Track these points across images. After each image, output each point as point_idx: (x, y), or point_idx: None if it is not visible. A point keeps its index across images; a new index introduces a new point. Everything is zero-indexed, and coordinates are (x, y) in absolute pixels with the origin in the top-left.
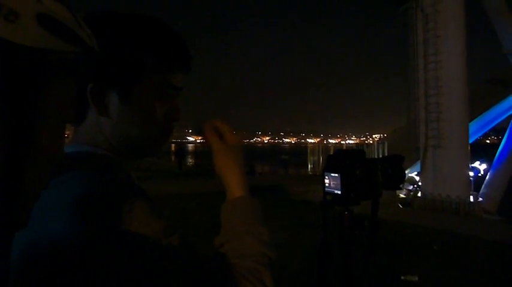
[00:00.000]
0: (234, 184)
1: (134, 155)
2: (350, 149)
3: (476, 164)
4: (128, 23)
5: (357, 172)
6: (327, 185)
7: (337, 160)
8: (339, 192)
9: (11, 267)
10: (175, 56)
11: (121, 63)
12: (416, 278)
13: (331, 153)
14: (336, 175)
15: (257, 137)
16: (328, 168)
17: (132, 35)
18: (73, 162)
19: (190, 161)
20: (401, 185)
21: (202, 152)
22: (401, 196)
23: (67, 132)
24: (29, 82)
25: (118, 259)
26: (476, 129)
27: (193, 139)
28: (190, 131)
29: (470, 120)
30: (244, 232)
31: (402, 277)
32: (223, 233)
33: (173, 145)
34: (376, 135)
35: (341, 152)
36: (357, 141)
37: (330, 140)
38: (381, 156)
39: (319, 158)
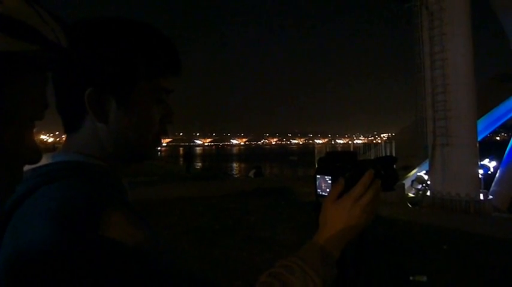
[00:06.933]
0: (323, 232)
1: (131, 160)
2: (341, 150)
3: (486, 161)
4: (121, 28)
5: (346, 175)
6: (318, 188)
7: (328, 162)
8: None
9: None
10: (166, 60)
11: (117, 68)
12: (425, 278)
13: (322, 156)
14: (327, 177)
15: (265, 139)
16: (320, 170)
17: (126, 40)
18: (60, 172)
19: (198, 164)
20: (411, 186)
21: (210, 155)
22: (411, 195)
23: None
24: None
25: (92, 269)
26: (485, 127)
27: (201, 142)
28: (198, 134)
29: (479, 118)
30: (296, 264)
31: (411, 278)
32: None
33: (181, 148)
34: (384, 135)
35: (332, 154)
36: (365, 141)
37: (338, 141)
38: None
39: None
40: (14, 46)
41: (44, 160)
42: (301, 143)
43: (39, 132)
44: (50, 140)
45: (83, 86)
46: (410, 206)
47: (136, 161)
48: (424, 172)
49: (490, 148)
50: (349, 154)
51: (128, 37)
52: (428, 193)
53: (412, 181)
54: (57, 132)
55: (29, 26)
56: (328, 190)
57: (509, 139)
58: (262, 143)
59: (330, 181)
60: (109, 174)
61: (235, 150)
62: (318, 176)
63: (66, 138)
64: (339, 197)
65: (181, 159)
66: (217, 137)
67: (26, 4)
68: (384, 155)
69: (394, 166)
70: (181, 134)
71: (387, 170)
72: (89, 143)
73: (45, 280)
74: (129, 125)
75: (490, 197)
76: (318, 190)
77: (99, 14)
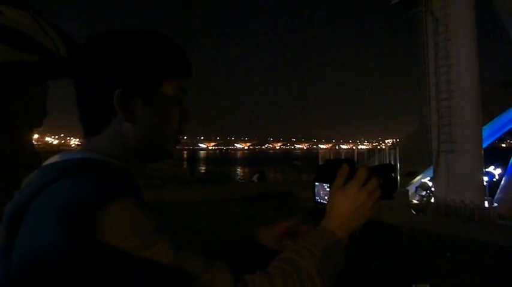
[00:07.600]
0: (331, 217)
1: (152, 159)
2: (340, 158)
3: (491, 168)
4: (143, 38)
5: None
6: (317, 195)
7: (327, 170)
8: None
9: (13, 267)
10: (181, 64)
11: (141, 71)
12: (427, 286)
13: (321, 163)
14: (326, 185)
15: (269, 144)
16: (318, 178)
17: (147, 48)
18: (75, 168)
19: (202, 168)
20: (415, 193)
21: (213, 159)
22: (415, 201)
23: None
24: None
25: (96, 269)
26: (490, 133)
27: (205, 146)
28: (202, 138)
29: (484, 124)
30: (305, 247)
31: (413, 285)
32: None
33: (185, 151)
34: (388, 140)
35: (331, 161)
36: (369, 146)
37: (342, 146)
38: (392, 162)
39: None
40: (15, 56)
41: (56, 159)
42: (305, 148)
43: (44, 135)
44: (55, 142)
45: (110, 89)
46: (414, 212)
47: (156, 159)
48: (429, 178)
49: (496, 155)
50: (347, 162)
51: (149, 45)
52: (432, 200)
53: (416, 188)
54: (62, 135)
55: (30, 36)
56: (326, 197)
57: None
58: (266, 147)
59: (328, 189)
60: (124, 172)
61: (239, 154)
62: (316, 183)
63: (85, 141)
64: (345, 183)
65: (185, 162)
66: (221, 141)
67: (27, 15)
68: (388, 161)
69: (393, 174)
70: (185, 137)
71: (386, 179)
72: (110, 144)
73: (50, 275)
74: (154, 123)
75: (495, 204)
76: (317, 197)
77: (99, 15)
